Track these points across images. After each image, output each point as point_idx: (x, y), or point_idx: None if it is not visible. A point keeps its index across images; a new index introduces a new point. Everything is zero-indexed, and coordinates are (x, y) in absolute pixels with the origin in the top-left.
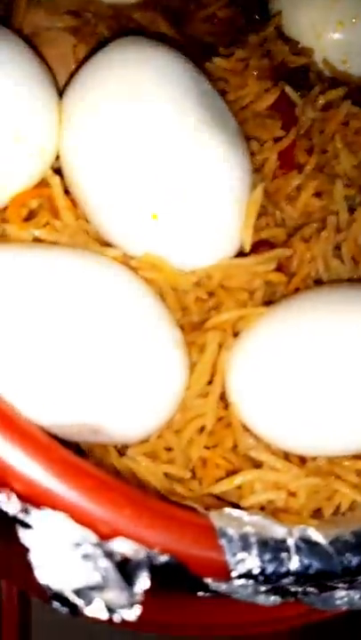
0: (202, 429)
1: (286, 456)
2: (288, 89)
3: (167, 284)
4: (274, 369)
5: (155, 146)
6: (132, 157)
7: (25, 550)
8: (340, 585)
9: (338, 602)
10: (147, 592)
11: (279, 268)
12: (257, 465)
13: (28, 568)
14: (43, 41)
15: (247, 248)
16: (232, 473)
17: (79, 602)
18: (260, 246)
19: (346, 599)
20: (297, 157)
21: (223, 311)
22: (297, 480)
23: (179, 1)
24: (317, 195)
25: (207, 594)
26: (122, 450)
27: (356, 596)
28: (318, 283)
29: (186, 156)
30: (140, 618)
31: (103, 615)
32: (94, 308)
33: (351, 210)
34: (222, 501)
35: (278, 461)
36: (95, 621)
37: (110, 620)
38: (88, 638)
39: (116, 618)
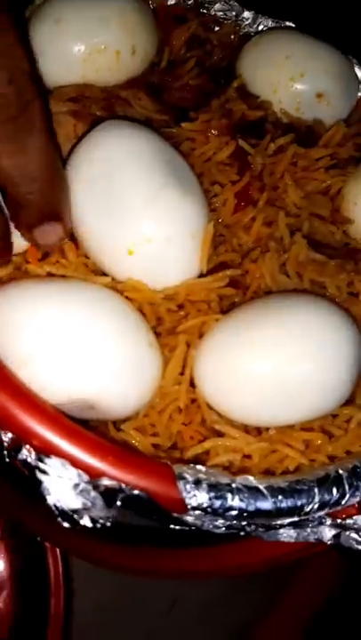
0: (178, 410)
1: (246, 428)
2: (241, 142)
3: (145, 300)
4: (230, 360)
5: (131, 202)
6: (113, 212)
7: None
8: (283, 524)
9: (282, 537)
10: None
11: (235, 284)
12: (220, 435)
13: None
14: (54, 123)
15: (204, 270)
16: (202, 442)
17: (76, 517)
18: (220, 268)
19: (288, 536)
20: (252, 195)
21: (189, 319)
22: (251, 445)
23: (158, 76)
24: (268, 224)
25: (177, 526)
26: (118, 425)
27: (294, 534)
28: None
29: (155, 207)
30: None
31: (89, 525)
32: (92, 319)
33: (292, 234)
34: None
35: (237, 432)
36: (85, 529)
37: (94, 527)
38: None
39: (97, 526)
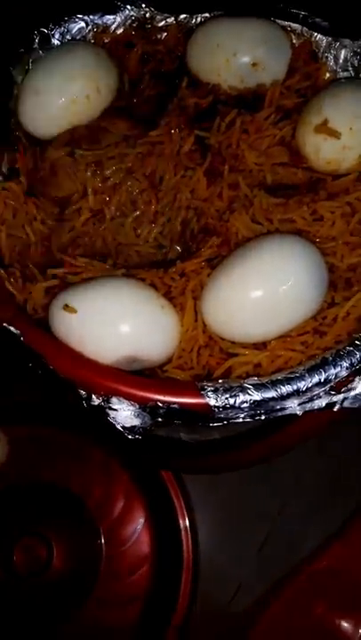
0: (200, 347)
1: (254, 346)
2: (196, 131)
3: (155, 277)
4: (227, 296)
5: None
6: None
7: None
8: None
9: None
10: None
11: (221, 243)
12: (235, 355)
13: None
14: (58, 167)
15: None
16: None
17: (136, 430)
18: (203, 232)
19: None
20: (218, 169)
21: (190, 282)
22: (258, 356)
23: (125, 98)
24: (234, 188)
25: (213, 423)
26: (162, 369)
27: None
28: None
29: None
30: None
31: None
32: (120, 299)
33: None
34: None
35: (245, 350)
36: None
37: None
38: None
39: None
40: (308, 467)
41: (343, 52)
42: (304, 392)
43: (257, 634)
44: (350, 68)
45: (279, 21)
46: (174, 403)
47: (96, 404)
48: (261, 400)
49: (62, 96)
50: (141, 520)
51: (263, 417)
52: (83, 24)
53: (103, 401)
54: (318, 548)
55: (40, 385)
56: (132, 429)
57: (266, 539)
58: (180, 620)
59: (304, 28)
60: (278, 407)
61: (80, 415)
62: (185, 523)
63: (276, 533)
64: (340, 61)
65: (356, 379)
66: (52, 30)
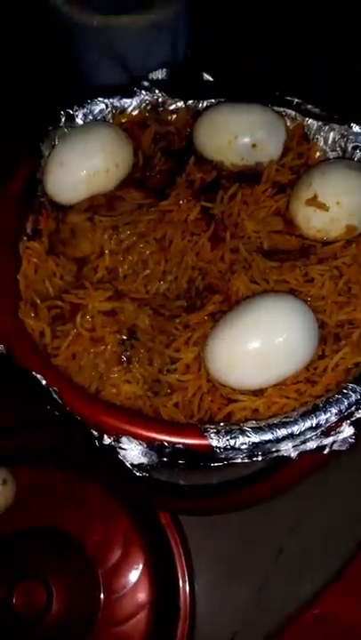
0: (204, 393)
1: (253, 393)
2: (202, 202)
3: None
4: (228, 347)
5: None
6: None
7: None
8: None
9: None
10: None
11: (223, 300)
12: (235, 401)
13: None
14: (78, 230)
15: None
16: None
17: (143, 467)
18: (208, 290)
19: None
20: (221, 235)
21: (194, 334)
22: (255, 402)
23: (139, 172)
24: (235, 252)
25: (213, 463)
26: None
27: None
28: None
29: None
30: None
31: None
32: None
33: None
34: None
35: (244, 396)
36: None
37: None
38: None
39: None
40: (305, 510)
41: (332, 134)
42: (298, 435)
43: None
44: (338, 149)
45: (276, 108)
46: (179, 443)
47: (107, 443)
48: (259, 442)
49: (84, 169)
50: (140, 566)
51: (260, 458)
52: (103, 106)
53: (114, 440)
54: (315, 595)
55: (46, 427)
56: (140, 466)
57: (263, 584)
58: None
59: (297, 114)
60: (274, 449)
61: (87, 456)
62: (183, 570)
63: (272, 578)
64: (330, 142)
65: (344, 424)
66: (76, 111)
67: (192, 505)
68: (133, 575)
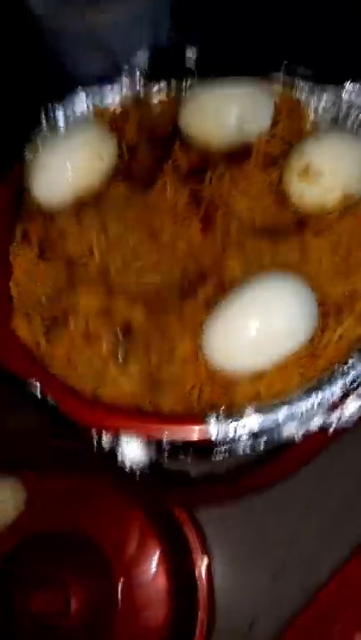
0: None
1: (253, 375)
2: (191, 186)
3: None
4: (226, 330)
5: None
6: None
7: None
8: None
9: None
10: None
11: (219, 286)
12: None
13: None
14: (66, 232)
15: None
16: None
17: (143, 464)
18: (202, 276)
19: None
20: (212, 216)
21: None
22: (256, 385)
23: (125, 164)
24: (227, 234)
25: (219, 454)
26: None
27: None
28: None
29: None
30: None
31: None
32: None
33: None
34: None
35: (245, 380)
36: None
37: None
38: None
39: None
40: (318, 489)
41: (325, 96)
42: (301, 414)
43: None
44: (332, 113)
45: (263, 76)
46: (177, 434)
47: (106, 441)
48: (261, 424)
49: (68, 169)
50: (156, 558)
51: (264, 441)
52: (83, 98)
53: (113, 438)
54: (333, 572)
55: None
56: (139, 463)
57: (279, 570)
58: None
59: (284, 82)
60: (277, 431)
61: (94, 457)
62: (201, 561)
63: (289, 563)
64: (322, 107)
65: (349, 399)
66: (56, 108)
67: (200, 495)
68: (150, 567)
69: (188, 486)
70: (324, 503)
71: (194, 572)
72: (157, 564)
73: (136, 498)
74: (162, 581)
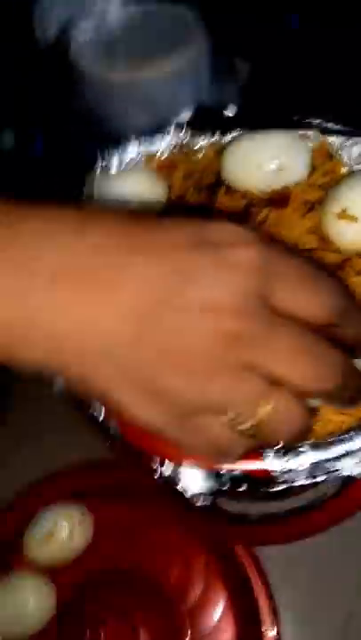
0: None
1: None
2: None
3: None
4: None
5: None
6: None
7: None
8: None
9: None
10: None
11: None
12: None
13: None
14: None
15: None
16: None
17: (204, 496)
18: None
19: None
20: None
21: None
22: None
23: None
24: None
25: (273, 488)
26: None
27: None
28: None
29: None
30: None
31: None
32: None
33: None
34: None
35: None
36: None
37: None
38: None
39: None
40: None
41: (355, 148)
42: (355, 452)
43: None
44: None
45: (297, 131)
46: (237, 469)
47: (167, 472)
48: (317, 461)
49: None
50: (221, 604)
51: (321, 478)
52: (135, 151)
53: (173, 470)
54: None
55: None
56: (199, 496)
57: (350, 612)
58: None
59: (319, 134)
60: (334, 467)
61: (158, 489)
62: (267, 608)
63: (359, 605)
64: (354, 157)
65: None
66: (109, 159)
67: (265, 534)
68: (216, 614)
69: (250, 524)
70: None
71: (260, 618)
72: (223, 611)
73: (197, 532)
74: (228, 628)
